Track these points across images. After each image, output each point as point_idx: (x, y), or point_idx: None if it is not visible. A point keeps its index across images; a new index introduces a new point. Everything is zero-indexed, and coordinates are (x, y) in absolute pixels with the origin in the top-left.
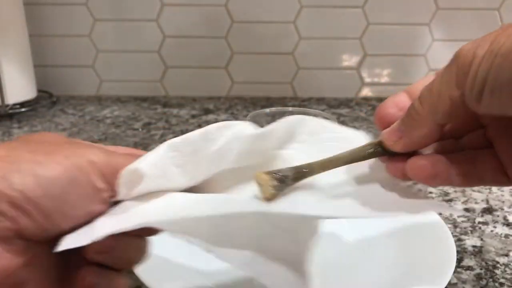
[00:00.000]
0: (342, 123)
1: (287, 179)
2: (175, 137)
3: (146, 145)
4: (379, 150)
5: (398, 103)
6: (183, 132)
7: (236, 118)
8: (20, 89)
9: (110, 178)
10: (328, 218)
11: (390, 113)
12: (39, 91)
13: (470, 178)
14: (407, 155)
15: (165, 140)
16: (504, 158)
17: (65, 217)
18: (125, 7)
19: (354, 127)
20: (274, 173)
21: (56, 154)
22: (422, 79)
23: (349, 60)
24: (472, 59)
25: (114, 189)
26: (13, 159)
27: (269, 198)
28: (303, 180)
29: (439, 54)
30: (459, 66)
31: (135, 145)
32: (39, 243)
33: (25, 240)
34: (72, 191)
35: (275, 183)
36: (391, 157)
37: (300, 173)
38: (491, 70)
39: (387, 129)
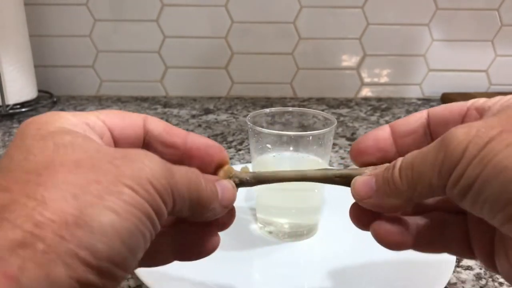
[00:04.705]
0: (342, 123)
1: (247, 182)
2: None
3: None
4: (347, 182)
5: (378, 140)
6: None
7: (236, 118)
8: (20, 89)
9: (170, 195)
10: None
11: (368, 152)
12: (39, 91)
13: (435, 245)
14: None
15: None
16: (474, 233)
17: (139, 258)
18: (125, 7)
19: (354, 127)
20: (235, 177)
21: (120, 189)
22: (409, 116)
23: (349, 60)
24: (463, 153)
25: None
26: (85, 215)
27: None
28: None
29: (439, 54)
30: (447, 154)
31: None
32: None
33: None
34: (147, 233)
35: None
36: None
37: (260, 180)
38: (479, 179)
39: (361, 180)
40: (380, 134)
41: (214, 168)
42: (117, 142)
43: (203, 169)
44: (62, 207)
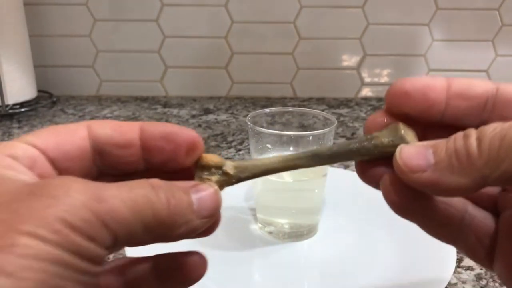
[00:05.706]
0: (342, 123)
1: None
2: None
3: None
4: (364, 147)
5: (429, 88)
6: None
7: (236, 118)
8: (20, 89)
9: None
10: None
11: (412, 97)
12: (39, 91)
13: (447, 232)
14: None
15: None
16: (503, 234)
17: None
18: (125, 7)
19: (354, 127)
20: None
21: (13, 241)
22: (471, 79)
23: (349, 60)
24: None
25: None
26: None
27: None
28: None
29: (439, 54)
30: None
31: None
32: None
33: None
34: (69, 284)
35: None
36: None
37: (256, 173)
38: None
39: (412, 149)
40: (433, 83)
41: (186, 158)
42: (56, 162)
43: (172, 164)
44: None
